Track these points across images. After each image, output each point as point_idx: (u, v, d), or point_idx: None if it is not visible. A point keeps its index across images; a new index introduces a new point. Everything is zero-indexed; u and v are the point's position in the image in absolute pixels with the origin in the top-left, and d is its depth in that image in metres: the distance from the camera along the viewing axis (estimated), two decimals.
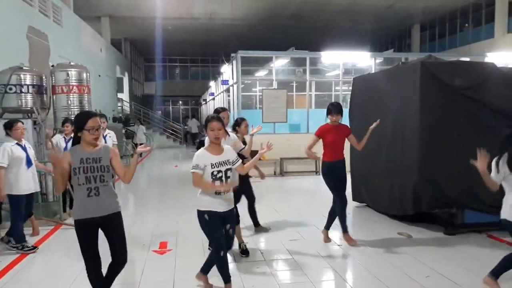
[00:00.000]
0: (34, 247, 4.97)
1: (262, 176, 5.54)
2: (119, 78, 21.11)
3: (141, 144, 17.43)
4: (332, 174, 4.96)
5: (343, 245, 5.01)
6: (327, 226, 5.18)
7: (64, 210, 6.28)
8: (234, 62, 11.99)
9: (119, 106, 21.48)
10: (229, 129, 4.63)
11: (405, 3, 17.17)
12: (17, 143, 5.00)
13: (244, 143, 4.84)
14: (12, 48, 8.37)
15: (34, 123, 6.68)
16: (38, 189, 5.51)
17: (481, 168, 3.28)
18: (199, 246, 4.86)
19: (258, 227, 5.65)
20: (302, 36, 20.22)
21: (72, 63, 8.08)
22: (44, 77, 7.36)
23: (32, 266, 4.55)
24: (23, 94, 6.91)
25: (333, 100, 13.33)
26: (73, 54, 11.61)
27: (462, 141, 5.08)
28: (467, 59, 11.93)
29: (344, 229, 5.06)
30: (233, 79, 12.53)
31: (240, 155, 4.09)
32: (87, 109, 7.58)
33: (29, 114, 7.06)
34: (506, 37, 16.02)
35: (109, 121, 13.18)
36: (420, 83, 5.23)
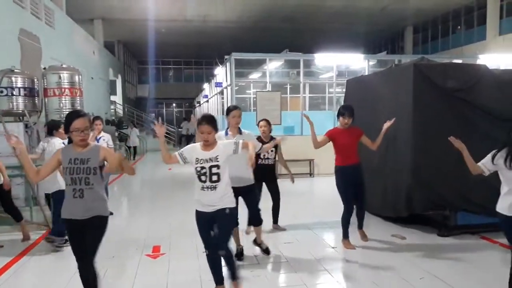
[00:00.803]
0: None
1: (291, 178, 5.65)
2: (112, 81, 21.02)
3: (134, 147, 17.39)
4: (343, 178, 4.86)
5: (337, 247, 5.00)
6: (360, 226, 5.21)
7: None
8: (228, 64, 11.97)
9: (112, 109, 21.38)
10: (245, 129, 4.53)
11: (398, 5, 17.30)
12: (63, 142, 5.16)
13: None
14: (3, 51, 8.29)
15: (26, 126, 6.62)
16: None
17: (460, 147, 3.43)
18: (193, 250, 4.82)
19: (275, 224, 5.83)
20: (295, 38, 20.30)
21: (64, 66, 8.02)
22: (36, 80, 7.31)
23: (24, 271, 4.48)
24: (14, 97, 6.86)
25: (327, 102, 13.45)
26: (65, 56, 11.53)
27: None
28: (460, 61, 12.06)
29: (344, 235, 5.00)
30: (227, 81, 12.51)
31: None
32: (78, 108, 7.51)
33: (21, 117, 7.00)
34: (497, 39, 16.19)
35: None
36: (413, 85, 5.24)
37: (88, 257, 3.06)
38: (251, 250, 4.84)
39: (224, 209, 3.38)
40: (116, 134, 16.89)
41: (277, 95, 11.14)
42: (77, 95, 7.90)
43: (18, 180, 6.47)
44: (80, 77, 8.05)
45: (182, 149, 3.44)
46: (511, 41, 15.26)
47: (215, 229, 3.41)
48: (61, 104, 7.71)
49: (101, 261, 3.16)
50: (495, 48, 15.54)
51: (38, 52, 10.15)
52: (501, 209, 3.33)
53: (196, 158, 3.34)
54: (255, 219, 4.69)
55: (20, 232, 5.45)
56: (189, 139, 21.89)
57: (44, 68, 8.42)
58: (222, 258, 3.44)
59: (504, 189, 3.33)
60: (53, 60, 10.05)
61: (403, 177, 5.38)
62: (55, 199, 5.04)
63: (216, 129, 3.39)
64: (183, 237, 5.37)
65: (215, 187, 3.33)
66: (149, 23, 18.03)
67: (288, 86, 13.81)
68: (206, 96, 20.80)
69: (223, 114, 9.58)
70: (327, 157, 5.68)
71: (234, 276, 3.49)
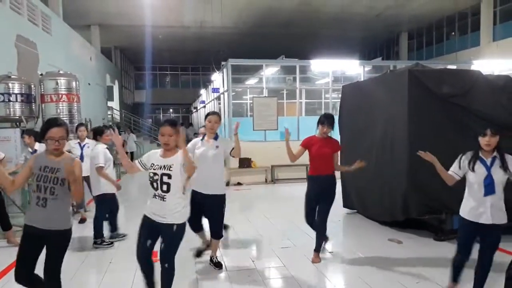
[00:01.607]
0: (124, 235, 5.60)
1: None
2: (109, 87, 20.99)
3: (131, 152, 17.35)
4: (310, 188, 4.65)
5: (334, 252, 5.02)
6: (315, 247, 4.72)
7: None
8: (224, 70, 12.03)
9: (109, 115, 21.34)
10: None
11: (393, 11, 17.45)
12: (106, 147, 5.28)
13: None
14: (0, 57, 8.30)
15: (23, 132, 6.62)
16: None
17: (431, 159, 3.56)
18: (189, 256, 4.80)
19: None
20: (292, 44, 20.40)
21: (61, 72, 8.04)
22: (32, 86, 7.31)
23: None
24: (11, 103, 6.86)
25: (323, 108, 13.50)
26: (62, 62, 11.54)
27: (450, 147, 5.11)
28: (454, 66, 12.18)
29: (316, 247, 4.69)
30: (223, 87, 12.56)
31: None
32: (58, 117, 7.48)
33: (18, 123, 7.00)
34: (491, 45, 16.35)
35: None
36: (408, 90, 5.30)
37: (47, 274, 2.94)
38: (248, 254, 4.84)
39: (172, 225, 3.19)
40: None
41: (274, 100, 11.20)
42: (74, 101, 7.92)
43: None
44: (77, 83, 8.08)
45: (143, 156, 3.36)
46: (504, 47, 15.41)
47: (153, 240, 3.28)
48: (58, 110, 7.74)
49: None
50: (489, 54, 15.70)
51: (35, 58, 10.16)
52: (463, 212, 3.42)
53: (152, 164, 3.22)
54: (214, 234, 4.38)
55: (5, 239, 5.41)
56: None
57: (41, 74, 8.44)
58: (163, 270, 3.29)
59: (466, 192, 3.43)
60: (50, 66, 10.05)
61: (399, 181, 5.41)
62: (99, 201, 5.26)
63: (178, 134, 3.20)
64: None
65: (163, 198, 3.16)
66: (146, 29, 18.05)
67: (285, 92, 13.89)
68: (203, 102, 20.84)
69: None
70: None
71: None
